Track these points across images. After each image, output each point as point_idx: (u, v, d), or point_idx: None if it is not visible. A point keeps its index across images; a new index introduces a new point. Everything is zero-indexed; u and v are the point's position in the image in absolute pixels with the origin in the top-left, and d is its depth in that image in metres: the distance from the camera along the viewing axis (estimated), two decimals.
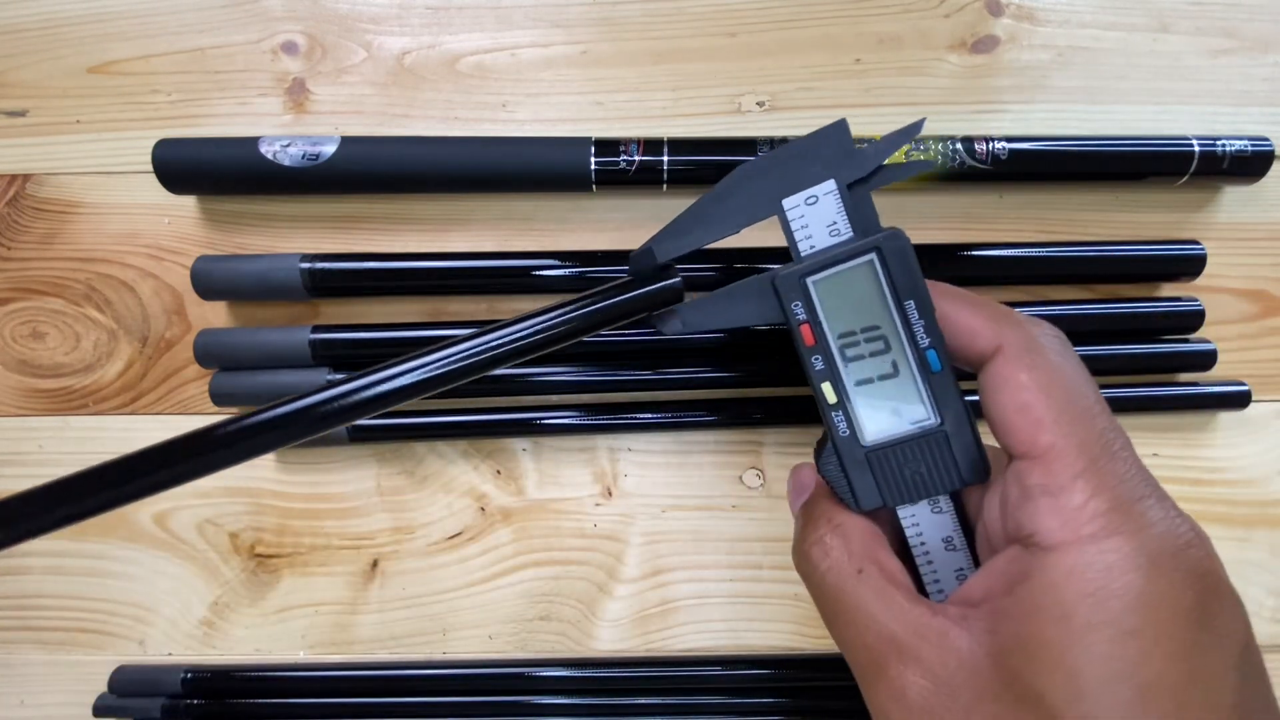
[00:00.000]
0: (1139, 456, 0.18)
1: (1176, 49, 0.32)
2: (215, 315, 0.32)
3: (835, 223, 0.21)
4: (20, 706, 0.32)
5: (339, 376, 0.29)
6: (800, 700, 0.31)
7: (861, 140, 0.29)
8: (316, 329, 0.30)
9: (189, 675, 0.31)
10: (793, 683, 0.31)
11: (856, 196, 0.21)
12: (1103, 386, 0.21)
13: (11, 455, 0.32)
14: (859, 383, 0.21)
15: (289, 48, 0.32)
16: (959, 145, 0.29)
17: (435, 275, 0.30)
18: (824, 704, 0.31)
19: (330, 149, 0.29)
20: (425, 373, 0.21)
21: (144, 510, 0.32)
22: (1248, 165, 0.30)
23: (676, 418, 0.31)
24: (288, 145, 0.29)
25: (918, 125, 0.21)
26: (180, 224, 0.31)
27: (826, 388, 0.21)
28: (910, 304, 0.20)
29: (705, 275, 0.30)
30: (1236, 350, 0.32)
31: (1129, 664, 0.16)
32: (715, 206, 0.21)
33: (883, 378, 0.20)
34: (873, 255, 0.20)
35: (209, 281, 0.29)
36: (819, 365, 0.21)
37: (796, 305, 0.21)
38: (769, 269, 0.22)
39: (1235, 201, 0.32)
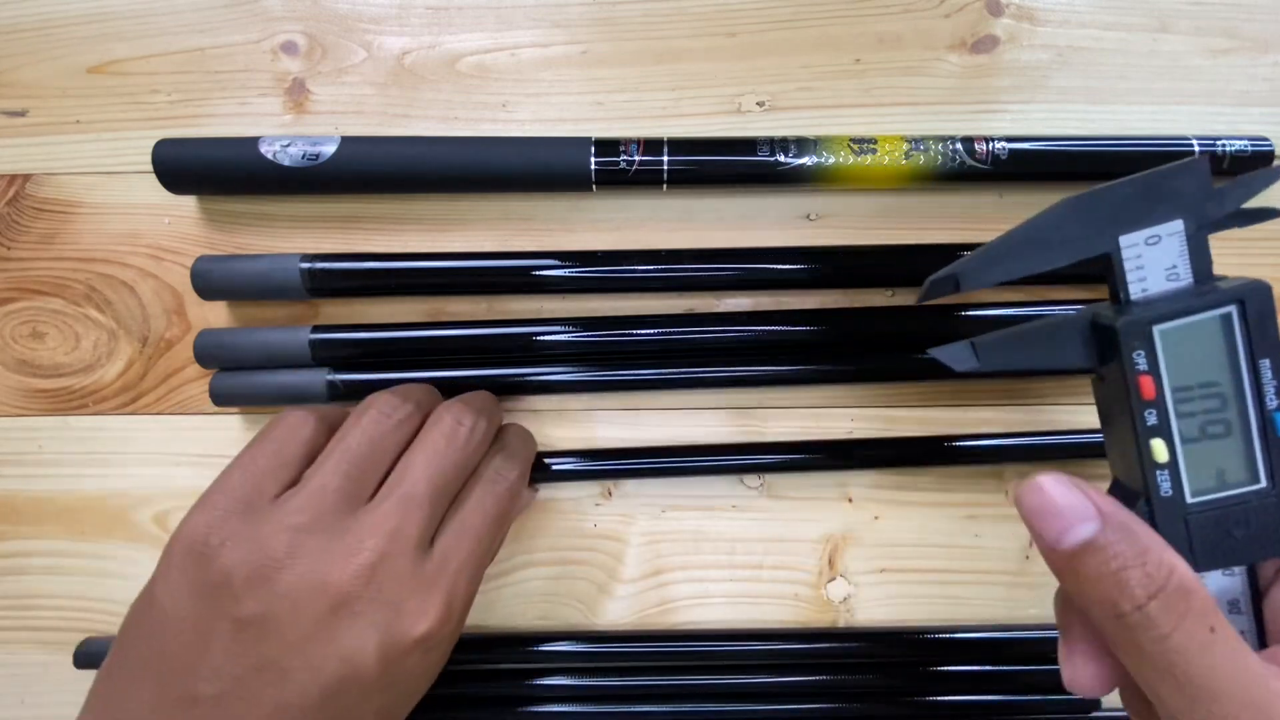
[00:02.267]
0: None
1: (1176, 49, 0.32)
2: (215, 315, 0.32)
3: (1175, 266, 0.19)
4: (20, 706, 0.32)
5: (339, 377, 0.29)
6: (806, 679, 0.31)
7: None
8: (316, 329, 0.30)
9: None
10: (795, 661, 0.31)
11: (1199, 240, 0.19)
12: None
13: (11, 455, 0.32)
14: (1186, 440, 0.19)
15: (289, 48, 0.32)
16: (959, 145, 0.29)
17: (435, 275, 0.30)
18: (829, 683, 0.31)
19: (330, 149, 0.29)
20: None
21: (144, 510, 0.32)
22: (1248, 165, 0.30)
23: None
24: (288, 145, 0.29)
25: (1278, 171, 0.20)
26: (180, 224, 0.31)
27: (1158, 445, 0.19)
28: (1265, 363, 0.19)
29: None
30: None
31: None
32: (1040, 235, 0.20)
33: (1213, 437, 0.19)
34: (1233, 308, 0.19)
35: (209, 281, 0.29)
36: (1151, 420, 0.19)
37: (1139, 354, 0.19)
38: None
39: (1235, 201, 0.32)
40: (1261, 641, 0.20)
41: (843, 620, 0.32)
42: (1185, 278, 0.19)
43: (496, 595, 0.32)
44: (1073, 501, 0.18)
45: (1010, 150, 0.29)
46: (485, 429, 0.27)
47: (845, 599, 0.32)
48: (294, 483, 0.24)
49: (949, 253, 0.30)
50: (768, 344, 0.30)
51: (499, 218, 0.32)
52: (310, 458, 0.25)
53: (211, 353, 0.30)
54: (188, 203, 0.31)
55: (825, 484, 0.32)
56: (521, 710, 0.31)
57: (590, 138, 0.29)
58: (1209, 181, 0.19)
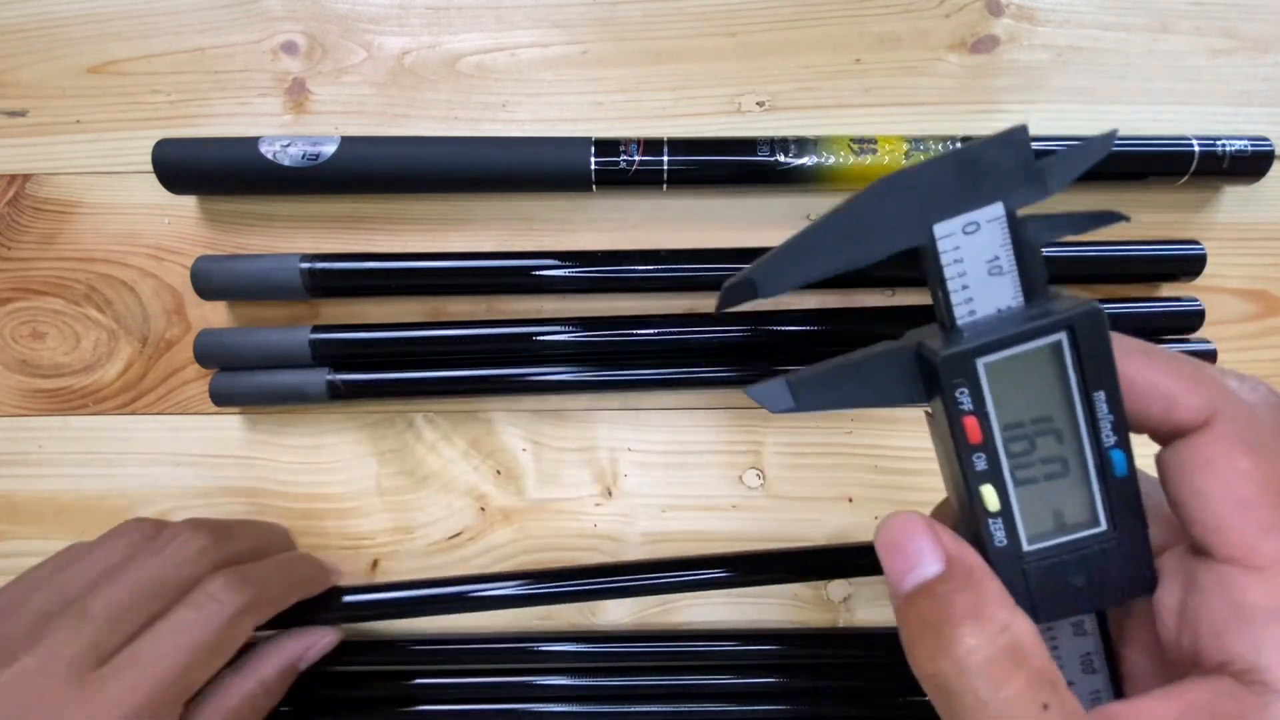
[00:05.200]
0: None
1: (1176, 49, 0.32)
2: (215, 315, 0.32)
3: (998, 258, 0.17)
4: None
5: (339, 377, 0.29)
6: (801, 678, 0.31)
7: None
8: (316, 329, 0.30)
9: None
10: (795, 660, 0.31)
11: (1024, 231, 0.17)
12: None
13: (11, 455, 0.32)
14: (1020, 484, 0.17)
15: (289, 48, 0.32)
16: (959, 145, 0.29)
17: (435, 275, 0.30)
18: (824, 682, 0.31)
19: (330, 149, 0.29)
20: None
21: (144, 510, 0.32)
22: (1248, 165, 0.30)
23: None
24: (288, 145, 0.29)
25: (1110, 136, 0.17)
26: (180, 224, 0.31)
27: (988, 491, 0.17)
28: (1100, 395, 0.17)
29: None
30: (1236, 350, 0.32)
31: None
32: (844, 228, 0.17)
33: (1049, 477, 0.17)
34: (1062, 335, 0.16)
35: (209, 281, 0.29)
36: (980, 465, 0.17)
37: (962, 392, 0.17)
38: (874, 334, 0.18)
39: (1235, 201, 0.32)
40: (1119, 692, 0.18)
41: (843, 620, 0.32)
42: (1010, 270, 0.17)
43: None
44: (920, 542, 0.17)
45: None
46: (201, 545, 0.25)
47: (845, 599, 0.32)
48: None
49: None
50: (767, 344, 0.30)
51: (499, 218, 0.32)
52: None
53: (211, 353, 0.30)
54: (188, 203, 0.31)
55: (825, 484, 0.32)
56: (522, 710, 0.31)
57: (590, 138, 0.29)
58: (1030, 155, 0.17)
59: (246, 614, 0.24)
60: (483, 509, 0.32)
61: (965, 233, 0.17)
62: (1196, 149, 0.29)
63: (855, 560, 0.30)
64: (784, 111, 0.32)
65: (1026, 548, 0.17)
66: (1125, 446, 0.17)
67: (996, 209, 0.17)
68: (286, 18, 0.32)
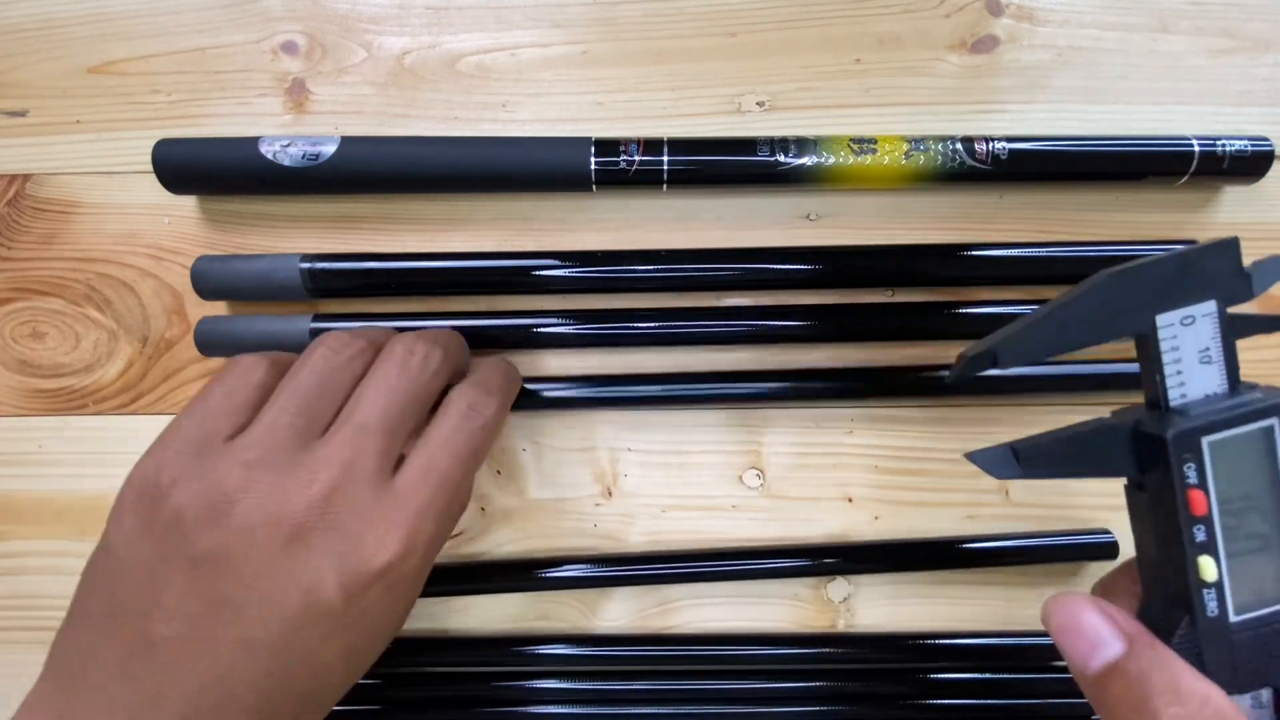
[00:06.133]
0: None
1: (1176, 49, 0.32)
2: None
3: (1209, 349, 0.19)
4: None
5: None
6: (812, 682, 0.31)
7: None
8: (318, 318, 0.30)
9: None
10: (796, 664, 0.31)
11: (1230, 326, 0.19)
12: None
13: (11, 455, 0.32)
14: (1231, 556, 0.19)
15: (289, 48, 0.32)
16: (959, 145, 0.29)
17: (435, 275, 0.30)
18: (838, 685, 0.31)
19: (330, 149, 0.29)
20: None
21: None
22: (1248, 165, 0.30)
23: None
24: (288, 145, 0.29)
25: None
26: (180, 224, 0.31)
27: (1205, 563, 0.18)
28: None
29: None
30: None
31: None
32: (1075, 312, 0.20)
33: (1251, 552, 0.19)
34: (1275, 420, 0.19)
35: (209, 281, 0.29)
36: (1200, 537, 0.18)
37: (1189, 467, 0.18)
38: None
39: (1235, 201, 0.32)
40: None
41: (843, 620, 0.32)
42: (1218, 359, 0.19)
43: (497, 595, 0.32)
44: (1097, 622, 0.18)
45: (1010, 150, 0.29)
46: (440, 359, 0.26)
47: (845, 599, 0.32)
48: (247, 425, 0.24)
49: (949, 253, 0.30)
50: (767, 337, 0.30)
51: (499, 218, 0.32)
52: (263, 401, 0.24)
53: (213, 340, 0.30)
54: (188, 203, 0.31)
55: (825, 484, 0.32)
56: (520, 713, 0.31)
57: (590, 138, 0.29)
58: (1240, 262, 0.19)
59: (497, 423, 0.26)
60: (483, 509, 0.32)
61: (1183, 324, 0.19)
62: (1196, 149, 0.29)
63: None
64: (784, 111, 0.32)
65: (1234, 618, 0.19)
66: None
67: (1210, 305, 0.19)
68: (286, 18, 0.32)
